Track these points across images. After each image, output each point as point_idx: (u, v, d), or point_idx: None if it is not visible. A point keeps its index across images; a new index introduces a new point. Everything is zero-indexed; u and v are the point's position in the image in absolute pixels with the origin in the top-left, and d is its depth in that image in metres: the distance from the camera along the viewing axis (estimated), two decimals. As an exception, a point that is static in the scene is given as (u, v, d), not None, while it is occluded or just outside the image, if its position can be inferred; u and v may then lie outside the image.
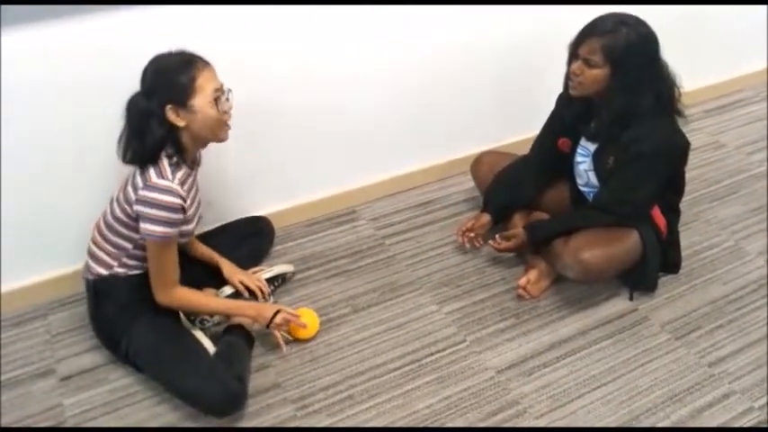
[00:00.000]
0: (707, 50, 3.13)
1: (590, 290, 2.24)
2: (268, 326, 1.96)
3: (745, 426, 1.83)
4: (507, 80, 2.68)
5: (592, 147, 2.09)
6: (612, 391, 1.92)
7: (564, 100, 2.14)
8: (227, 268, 2.13)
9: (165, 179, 1.75)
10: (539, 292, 2.23)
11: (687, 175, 2.69)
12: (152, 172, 1.76)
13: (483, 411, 1.88)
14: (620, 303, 2.20)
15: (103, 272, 1.91)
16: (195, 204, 1.90)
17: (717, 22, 3.04)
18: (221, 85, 1.79)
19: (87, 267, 1.95)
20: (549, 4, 2.52)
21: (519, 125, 2.63)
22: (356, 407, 1.89)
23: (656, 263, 2.15)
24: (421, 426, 1.84)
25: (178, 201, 1.75)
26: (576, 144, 2.15)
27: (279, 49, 2.20)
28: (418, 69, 2.49)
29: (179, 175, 1.78)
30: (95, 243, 1.93)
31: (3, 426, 1.85)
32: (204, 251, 2.13)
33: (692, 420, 1.84)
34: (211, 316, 2.07)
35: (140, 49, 1.97)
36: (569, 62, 1.98)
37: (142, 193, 1.75)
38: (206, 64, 1.78)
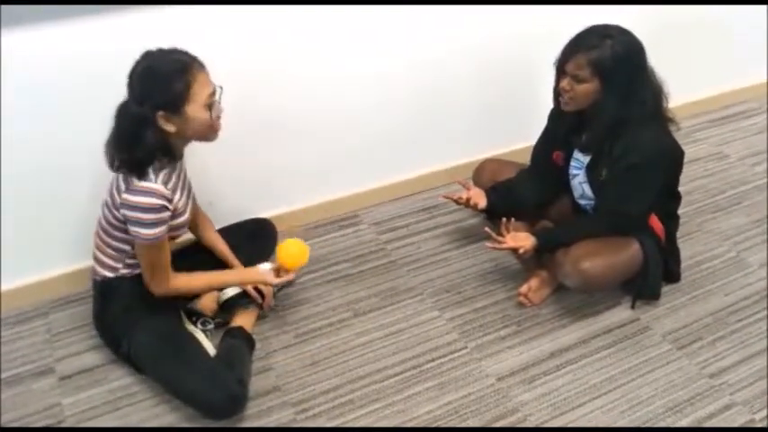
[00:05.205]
0: (712, 60, 3.13)
1: (591, 298, 2.23)
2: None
3: (745, 437, 1.83)
4: (511, 87, 2.68)
5: (585, 159, 2.10)
6: (613, 401, 1.91)
7: (555, 114, 2.15)
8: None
9: (148, 180, 1.73)
10: (540, 299, 2.23)
11: (690, 186, 2.75)
12: (134, 174, 1.74)
13: (483, 418, 1.87)
14: (621, 312, 2.19)
15: (109, 274, 1.92)
16: (184, 197, 1.88)
17: (722, 32, 3.05)
18: (214, 89, 1.75)
19: (94, 270, 1.96)
20: (552, 4, 2.53)
21: (522, 133, 2.63)
22: (356, 411, 1.89)
23: (658, 271, 2.16)
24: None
25: (160, 201, 1.73)
26: (569, 157, 2.16)
27: (282, 53, 2.21)
28: (422, 75, 2.49)
29: (161, 175, 1.76)
30: (98, 248, 1.93)
31: (2, 424, 1.84)
32: (222, 249, 2.12)
33: (693, 431, 1.84)
34: (213, 318, 2.08)
35: (142, 50, 1.98)
36: (557, 79, 1.99)
37: (125, 196, 1.73)
38: (201, 66, 1.72)
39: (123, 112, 1.71)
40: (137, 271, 1.91)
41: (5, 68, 1.85)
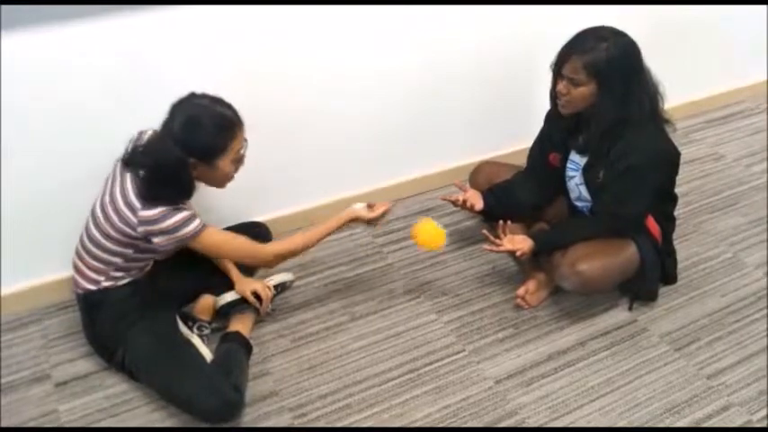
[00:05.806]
0: (708, 61, 3.14)
1: (589, 300, 2.23)
2: (370, 222, 2.06)
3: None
4: (508, 89, 2.68)
5: (582, 160, 2.10)
6: (611, 403, 1.91)
7: (551, 116, 2.15)
8: (239, 278, 2.11)
9: None
10: (537, 301, 2.22)
11: (686, 187, 2.75)
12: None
13: (481, 421, 1.87)
14: (619, 314, 2.19)
15: (91, 287, 1.89)
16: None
17: (719, 32, 3.05)
18: (244, 144, 1.82)
19: (75, 282, 1.93)
20: (552, 5, 2.53)
21: (519, 135, 2.63)
22: (354, 416, 1.88)
23: (655, 273, 2.16)
24: (419, 435, 1.84)
25: (174, 204, 1.75)
26: (566, 158, 2.16)
27: (281, 54, 2.20)
28: (420, 77, 2.48)
29: None
30: (81, 259, 1.89)
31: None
32: None
33: (691, 433, 1.84)
34: (210, 322, 2.07)
35: (142, 52, 1.98)
36: (554, 82, 1.99)
37: (142, 213, 1.72)
38: (242, 124, 1.80)
39: (166, 154, 1.72)
40: (120, 282, 1.89)
41: (6, 70, 1.84)
